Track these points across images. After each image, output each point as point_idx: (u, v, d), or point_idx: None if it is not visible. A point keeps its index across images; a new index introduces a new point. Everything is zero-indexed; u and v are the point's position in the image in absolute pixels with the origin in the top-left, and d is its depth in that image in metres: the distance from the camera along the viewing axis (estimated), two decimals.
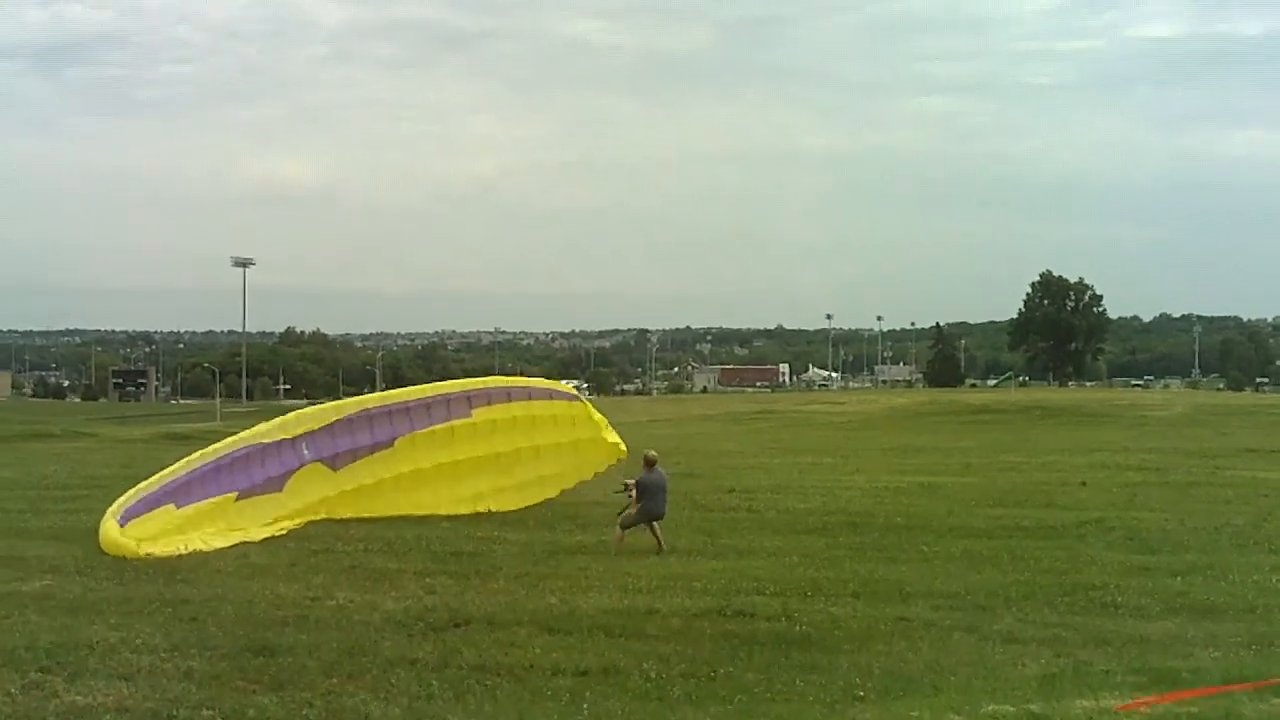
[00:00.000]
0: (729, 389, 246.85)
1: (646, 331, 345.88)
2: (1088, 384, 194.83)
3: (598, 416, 27.52)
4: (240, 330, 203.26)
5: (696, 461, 44.12)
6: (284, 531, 23.15)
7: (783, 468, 41.70)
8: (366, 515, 24.52)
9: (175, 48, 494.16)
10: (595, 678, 13.54)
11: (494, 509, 25.89)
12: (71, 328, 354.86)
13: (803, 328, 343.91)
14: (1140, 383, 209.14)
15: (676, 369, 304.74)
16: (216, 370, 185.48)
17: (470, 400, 24.50)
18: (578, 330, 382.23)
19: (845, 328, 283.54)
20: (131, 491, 21.97)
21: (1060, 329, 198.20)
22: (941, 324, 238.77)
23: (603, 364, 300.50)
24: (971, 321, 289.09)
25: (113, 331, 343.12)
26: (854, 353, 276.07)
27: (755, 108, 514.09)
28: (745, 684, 13.29)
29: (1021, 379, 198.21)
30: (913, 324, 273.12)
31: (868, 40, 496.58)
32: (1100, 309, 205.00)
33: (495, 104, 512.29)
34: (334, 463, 23.01)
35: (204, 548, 21.88)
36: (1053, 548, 22.33)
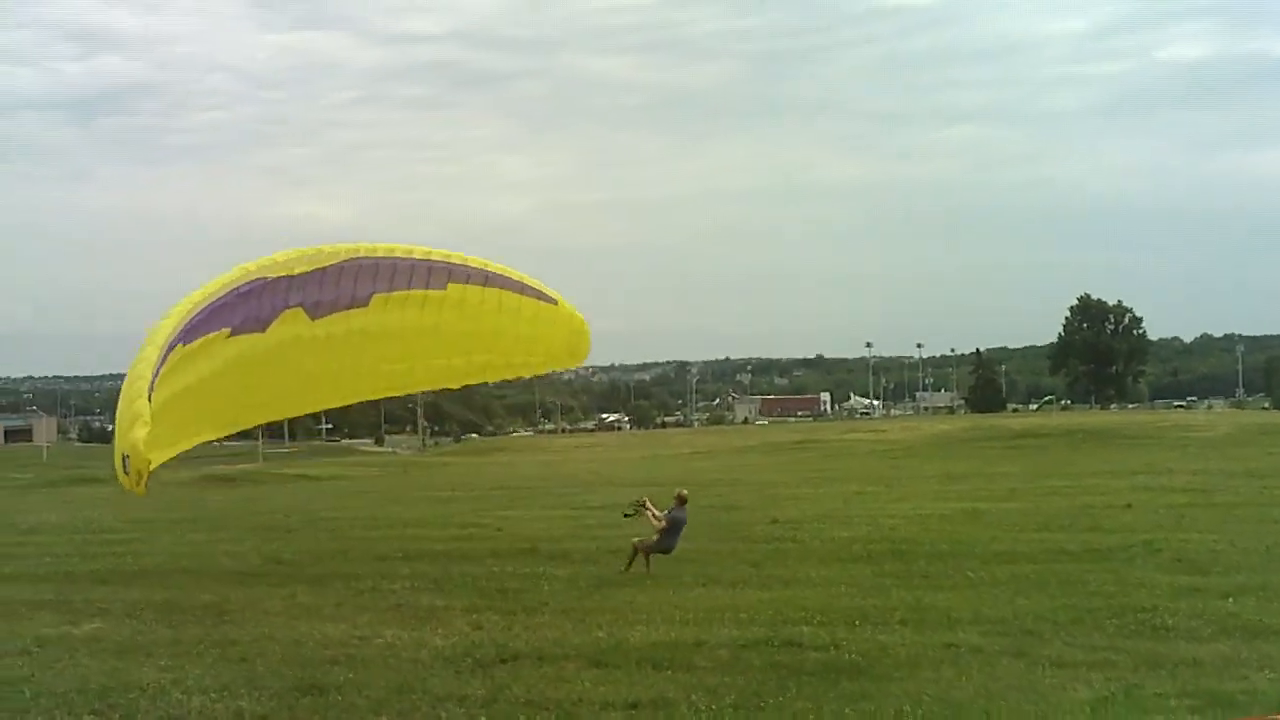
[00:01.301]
0: (770, 419, 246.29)
1: (686, 363, 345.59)
2: (1130, 406, 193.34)
3: (570, 316, 27.00)
4: None
5: (740, 493, 44.09)
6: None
7: (826, 497, 41.56)
8: (332, 369, 24.46)
9: (207, 96, 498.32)
10: (645, 711, 13.53)
11: (447, 386, 26.02)
12: (115, 372, 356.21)
13: (843, 356, 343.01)
14: (1183, 404, 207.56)
15: (717, 400, 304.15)
16: None
17: (450, 274, 24.21)
18: (617, 364, 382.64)
19: (885, 355, 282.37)
20: (161, 338, 21.71)
21: (1100, 352, 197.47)
22: (981, 349, 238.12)
23: (643, 397, 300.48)
24: (1011, 346, 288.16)
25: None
26: (894, 380, 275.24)
27: (782, 141, 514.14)
28: (794, 714, 13.26)
29: (1063, 403, 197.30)
30: (953, 350, 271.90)
31: (892, 71, 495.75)
32: (1140, 331, 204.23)
33: (520, 142, 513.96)
34: (314, 310, 22.91)
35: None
36: (1100, 571, 22.11)
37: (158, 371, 20.57)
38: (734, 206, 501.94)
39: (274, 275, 22.55)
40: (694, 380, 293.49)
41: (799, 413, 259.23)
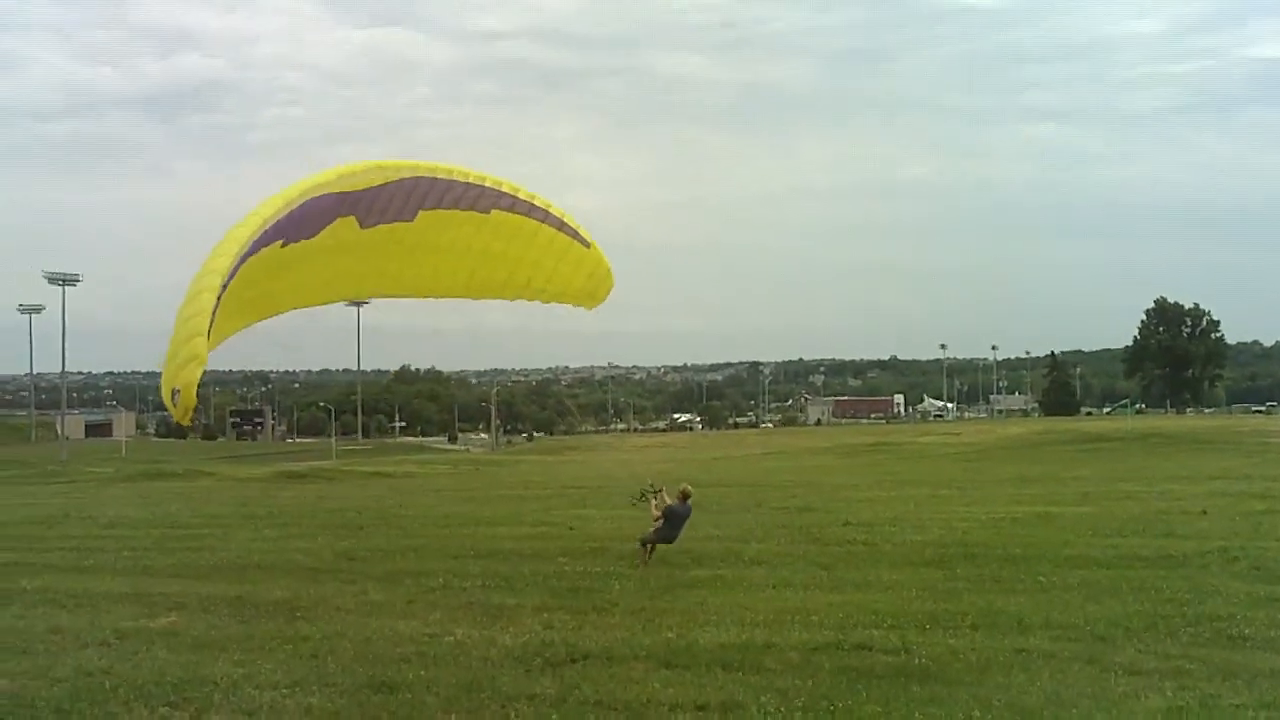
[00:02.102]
0: (843, 421, 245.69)
1: (759, 364, 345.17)
2: (1206, 411, 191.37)
3: (598, 261, 27.14)
4: (355, 369, 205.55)
5: (812, 495, 44.00)
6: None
7: (899, 500, 41.35)
8: (376, 267, 24.67)
9: (285, 93, 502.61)
10: (714, 713, 13.54)
11: (476, 296, 26.21)
12: None
13: (917, 358, 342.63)
14: (1262, 409, 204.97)
15: (790, 401, 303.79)
16: (332, 409, 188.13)
17: (497, 200, 24.52)
18: (689, 364, 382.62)
19: (959, 357, 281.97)
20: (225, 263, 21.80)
21: (1176, 356, 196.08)
22: (1056, 352, 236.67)
23: (715, 397, 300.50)
24: (1086, 349, 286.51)
25: (230, 372, 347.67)
26: (969, 382, 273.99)
27: (859, 139, 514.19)
28: (864, 717, 13.24)
29: (1138, 406, 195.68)
30: (1027, 353, 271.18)
31: (971, 70, 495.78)
32: (1218, 334, 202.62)
33: (597, 140, 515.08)
34: (365, 220, 23.20)
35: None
36: (1174, 578, 21.86)
37: (217, 305, 20.70)
38: (810, 205, 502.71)
39: (325, 192, 22.70)
40: (766, 381, 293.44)
41: (872, 414, 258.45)
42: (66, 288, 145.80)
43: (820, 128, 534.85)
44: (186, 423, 21.07)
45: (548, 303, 26.55)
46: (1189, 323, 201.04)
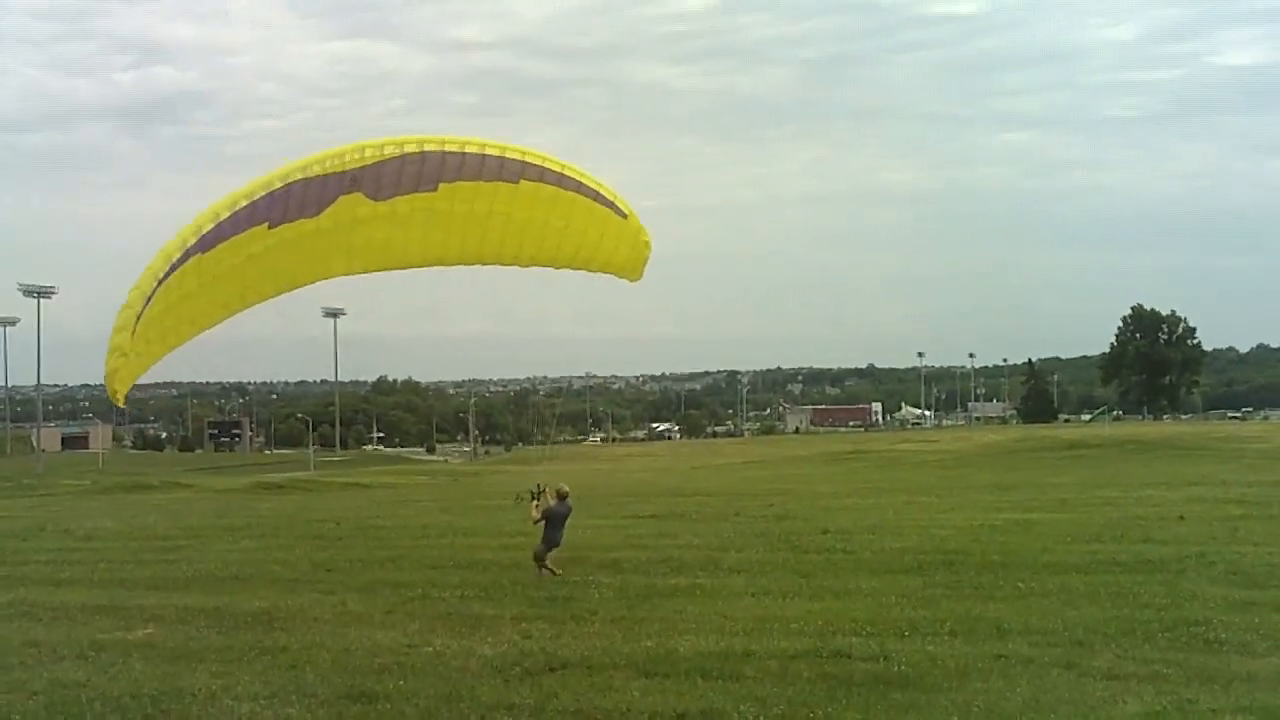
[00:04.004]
0: (821, 429, 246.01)
1: (737, 373, 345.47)
2: (1183, 417, 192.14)
3: (637, 232, 26.72)
4: (333, 380, 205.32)
5: (791, 503, 43.99)
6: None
7: (877, 507, 41.38)
8: (396, 237, 24.13)
9: (260, 105, 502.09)
10: None
11: (507, 264, 25.67)
12: (169, 380, 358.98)
13: (894, 366, 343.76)
14: (1238, 415, 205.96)
15: (768, 410, 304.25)
16: (310, 420, 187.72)
17: (524, 170, 24.02)
18: (668, 373, 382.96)
19: (937, 365, 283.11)
20: (150, 270, 21.35)
21: (1153, 362, 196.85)
22: (1034, 360, 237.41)
23: (694, 406, 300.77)
24: (1063, 356, 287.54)
25: (207, 384, 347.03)
26: (946, 390, 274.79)
27: (838, 146, 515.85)
28: None
29: (1115, 413, 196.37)
30: (1005, 360, 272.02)
31: (948, 77, 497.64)
32: (1194, 341, 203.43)
33: (576, 149, 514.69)
34: (376, 194, 22.71)
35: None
36: (1152, 583, 21.92)
37: (148, 303, 20.47)
38: (788, 212, 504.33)
39: (321, 172, 22.25)
40: (745, 390, 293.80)
41: (850, 423, 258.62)
42: (42, 300, 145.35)
43: (798, 135, 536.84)
44: (119, 404, 21.14)
45: (595, 273, 26.02)
46: (1165, 329, 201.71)
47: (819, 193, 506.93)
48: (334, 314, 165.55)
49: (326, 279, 24.57)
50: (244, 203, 21.28)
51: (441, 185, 23.02)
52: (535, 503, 25.01)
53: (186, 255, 20.78)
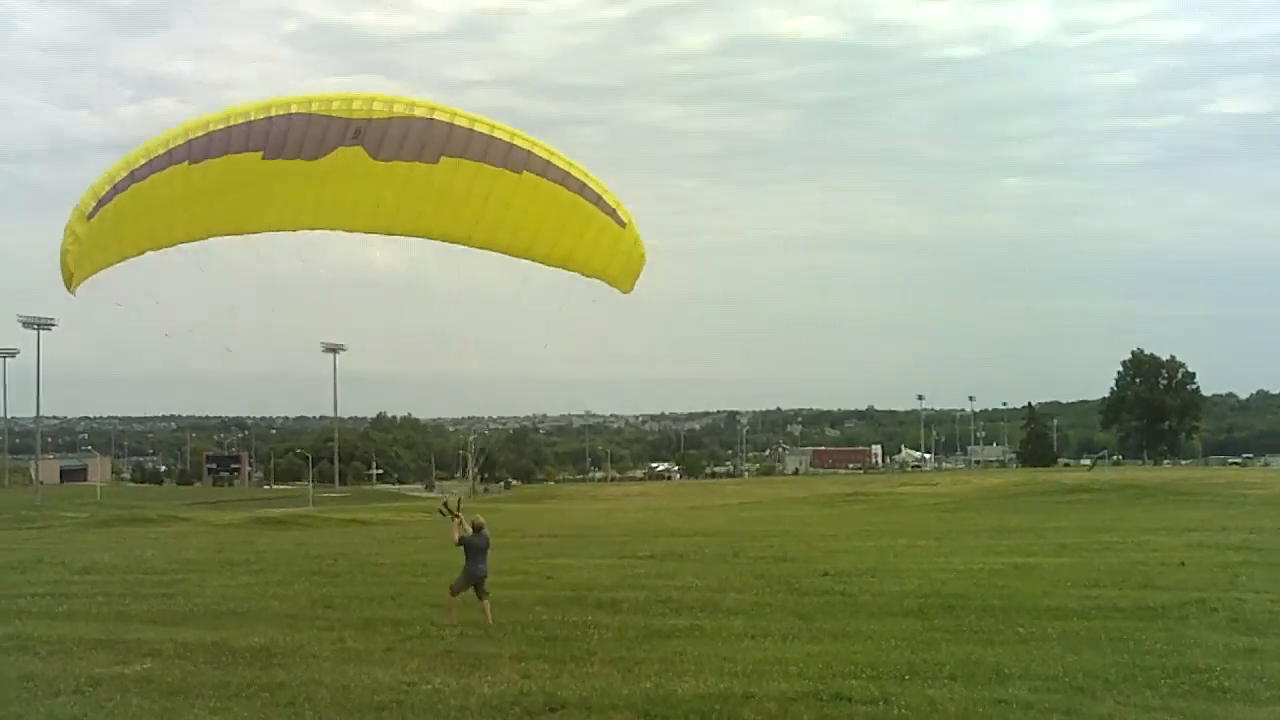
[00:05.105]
0: (821, 471, 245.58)
1: (736, 413, 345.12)
2: (1183, 463, 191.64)
3: (634, 243, 26.40)
4: (332, 415, 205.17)
5: (790, 545, 43.94)
6: None
7: (877, 550, 41.35)
8: (387, 198, 23.69)
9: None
10: None
11: (500, 251, 25.16)
12: (168, 414, 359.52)
13: (894, 408, 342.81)
14: (1238, 460, 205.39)
15: (768, 451, 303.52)
16: (309, 455, 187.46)
17: (528, 161, 23.63)
18: (667, 413, 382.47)
19: (937, 408, 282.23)
20: (125, 160, 20.73)
21: (1153, 408, 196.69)
22: (1033, 404, 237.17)
23: (693, 446, 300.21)
24: (1063, 401, 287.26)
25: (207, 417, 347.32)
26: (946, 433, 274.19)
27: (839, 190, 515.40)
28: None
29: (1115, 459, 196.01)
30: (1004, 404, 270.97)
31: (948, 122, 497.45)
32: (1194, 387, 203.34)
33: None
34: (376, 151, 22.32)
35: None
36: (1153, 629, 21.89)
37: (122, 187, 19.98)
38: (788, 255, 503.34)
39: (325, 112, 21.91)
40: (744, 430, 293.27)
41: (850, 465, 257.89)
42: (41, 332, 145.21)
43: (799, 178, 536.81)
44: (71, 290, 20.57)
45: (588, 277, 25.70)
46: (1165, 375, 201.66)
47: (820, 236, 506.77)
48: (334, 349, 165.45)
49: (313, 229, 23.92)
50: (239, 121, 20.75)
51: (443, 159, 22.65)
52: (457, 520, 24.70)
53: (172, 159, 20.29)
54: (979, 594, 27.25)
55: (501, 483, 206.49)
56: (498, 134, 23.02)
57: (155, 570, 37.67)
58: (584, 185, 23.87)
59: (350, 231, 24.00)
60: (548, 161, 23.46)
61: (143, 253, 21.63)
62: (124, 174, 19.87)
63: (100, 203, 19.67)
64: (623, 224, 24.83)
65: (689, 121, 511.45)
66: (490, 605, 23.94)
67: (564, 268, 24.99)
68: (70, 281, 20.55)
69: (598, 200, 24.16)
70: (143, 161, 19.92)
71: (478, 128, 22.88)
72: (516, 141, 23.17)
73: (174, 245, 22.13)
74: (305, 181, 21.96)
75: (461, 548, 24.33)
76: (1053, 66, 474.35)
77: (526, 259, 24.78)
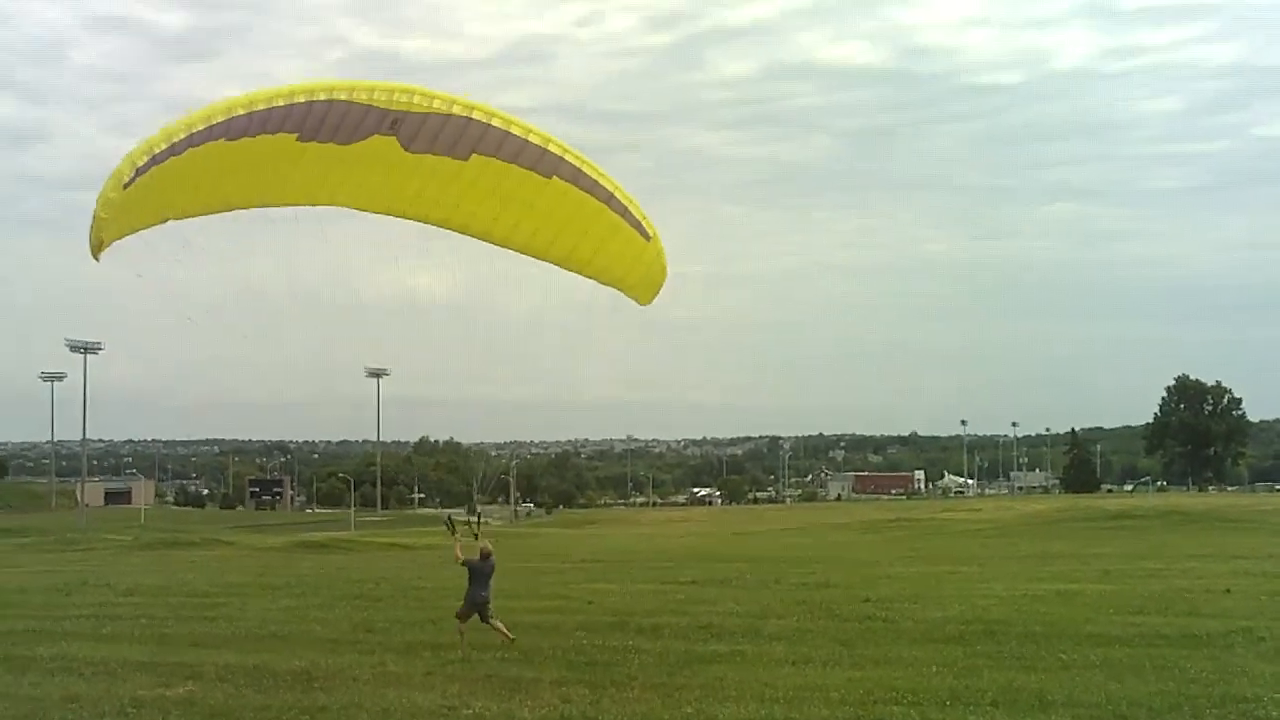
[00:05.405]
0: (863, 496, 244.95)
1: (779, 439, 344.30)
2: (1229, 489, 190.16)
3: (655, 258, 26.37)
4: (375, 440, 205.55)
5: (832, 570, 43.79)
6: None
7: (919, 576, 41.15)
8: (420, 199, 23.77)
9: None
10: None
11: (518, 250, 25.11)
12: (210, 437, 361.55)
13: (937, 434, 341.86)
14: None
15: (810, 476, 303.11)
16: (351, 479, 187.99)
17: (559, 167, 23.70)
18: (709, 437, 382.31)
19: (980, 434, 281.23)
20: (164, 132, 20.77)
21: (1198, 433, 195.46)
22: (1076, 429, 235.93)
23: (735, 471, 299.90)
24: (1106, 426, 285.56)
25: (250, 441, 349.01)
26: (989, 459, 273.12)
27: (881, 216, 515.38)
28: None
29: (1159, 484, 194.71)
30: (1047, 429, 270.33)
31: (990, 148, 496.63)
32: (1239, 412, 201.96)
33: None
34: (409, 143, 22.43)
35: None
36: (1198, 657, 21.66)
37: (160, 159, 20.02)
38: (830, 281, 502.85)
39: (366, 100, 21.99)
40: (786, 456, 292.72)
41: (893, 490, 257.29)
42: (88, 356, 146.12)
43: (840, 205, 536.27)
44: (95, 258, 20.62)
45: (606, 284, 25.75)
46: (1210, 400, 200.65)
47: (861, 262, 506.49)
48: (377, 374, 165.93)
49: (332, 205, 24.01)
50: (281, 103, 20.89)
51: (474, 156, 22.82)
52: (456, 538, 24.83)
53: (211, 135, 20.38)
54: (1021, 620, 27.09)
55: (543, 507, 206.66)
56: (532, 138, 23.13)
57: (198, 593, 37.85)
58: (611, 195, 23.97)
59: (370, 211, 24.11)
60: (578, 169, 23.54)
61: (166, 220, 21.75)
62: (163, 146, 19.90)
63: (138, 172, 19.77)
64: (647, 237, 24.92)
65: (732, 148, 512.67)
66: (503, 624, 24.00)
67: (581, 272, 25.11)
68: (98, 249, 20.70)
69: (624, 211, 24.24)
70: (182, 135, 19.94)
71: (514, 130, 22.99)
72: (550, 148, 23.25)
73: (199, 215, 22.36)
74: (334, 162, 22.11)
75: (465, 569, 24.32)
76: (1096, 92, 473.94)
77: (545, 260, 24.90)
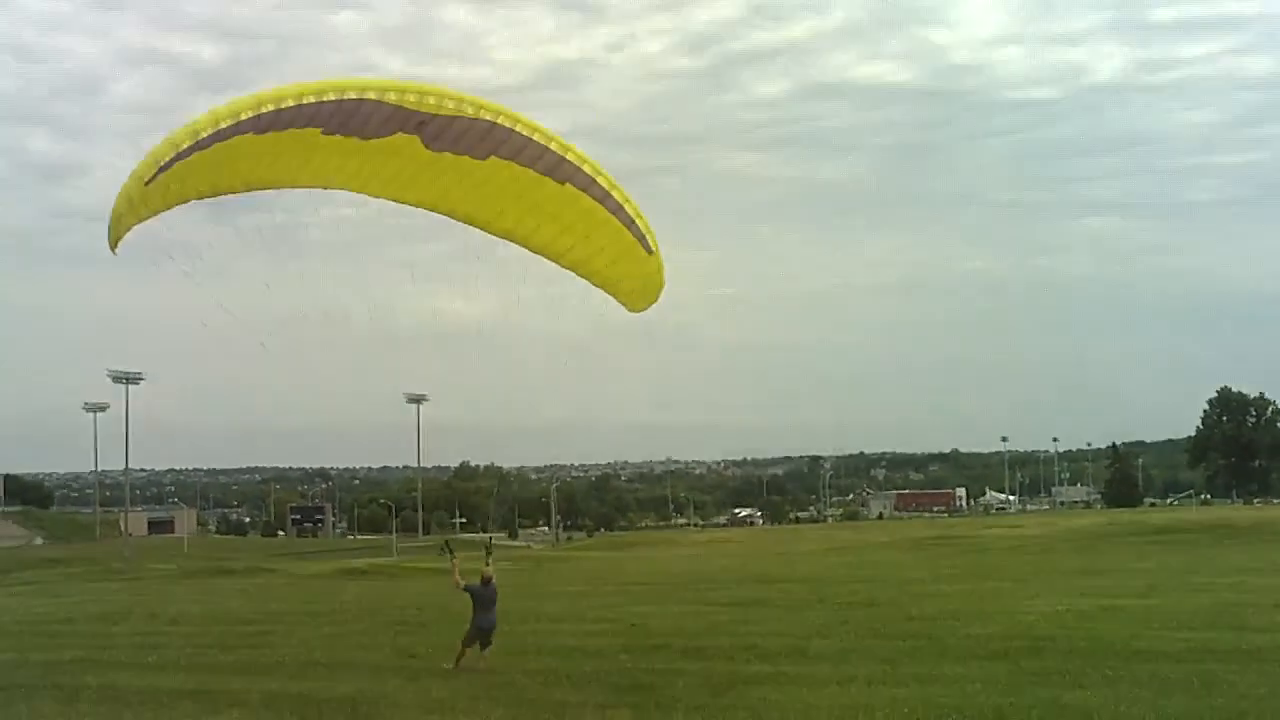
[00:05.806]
0: (905, 514, 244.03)
1: (819, 458, 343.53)
2: (1275, 501, 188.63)
3: (654, 272, 26.63)
4: (415, 465, 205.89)
5: (876, 589, 43.64)
6: None
7: (962, 593, 40.99)
8: (439, 194, 24.08)
9: (339, 193, 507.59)
10: None
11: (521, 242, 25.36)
12: (251, 465, 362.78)
13: (978, 450, 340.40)
14: None
15: (851, 495, 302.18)
16: (392, 505, 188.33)
17: (573, 175, 23.92)
18: (749, 458, 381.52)
19: (1021, 450, 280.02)
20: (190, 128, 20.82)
21: (1241, 446, 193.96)
22: (1118, 443, 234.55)
23: (776, 491, 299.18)
24: (1148, 440, 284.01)
25: (291, 469, 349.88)
26: (1030, 474, 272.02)
27: (917, 233, 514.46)
28: None
29: (1202, 497, 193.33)
30: (1089, 444, 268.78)
31: (1024, 163, 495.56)
32: None
33: (658, 237, 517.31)
34: (431, 143, 22.65)
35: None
36: (1249, 673, 21.43)
37: (185, 154, 20.14)
38: (867, 299, 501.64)
39: (397, 102, 22.18)
40: (827, 475, 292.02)
41: (934, 508, 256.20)
42: (130, 386, 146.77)
43: (876, 223, 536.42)
44: (112, 250, 20.80)
45: (598, 287, 26.04)
46: (1254, 412, 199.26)
47: (898, 280, 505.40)
48: (417, 400, 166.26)
49: (346, 189, 24.30)
50: (311, 99, 21.06)
51: (492, 158, 23.13)
52: (453, 561, 25.49)
53: (238, 130, 20.53)
54: (1066, 636, 26.94)
55: (584, 530, 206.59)
56: (552, 146, 23.37)
57: (242, 621, 37.99)
58: (620, 207, 24.31)
59: (380, 197, 24.41)
60: (592, 179, 23.84)
61: (186, 201, 22.00)
62: (188, 143, 20.08)
63: (161, 169, 19.95)
64: (649, 250, 25.31)
65: (766, 168, 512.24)
66: (489, 654, 24.39)
67: (576, 271, 25.46)
68: (115, 245, 20.96)
69: (630, 224, 24.59)
70: (208, 132, 20.13)
71: (535, 137, 23.23)
72: (569, 156, 23.49)
73: (213, 196, 22.61)
74: (353, 151, 22.36)
75: (468, 595, 24.61)
76: (1131, 105, 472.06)
77: (543, 255, 25.22)
